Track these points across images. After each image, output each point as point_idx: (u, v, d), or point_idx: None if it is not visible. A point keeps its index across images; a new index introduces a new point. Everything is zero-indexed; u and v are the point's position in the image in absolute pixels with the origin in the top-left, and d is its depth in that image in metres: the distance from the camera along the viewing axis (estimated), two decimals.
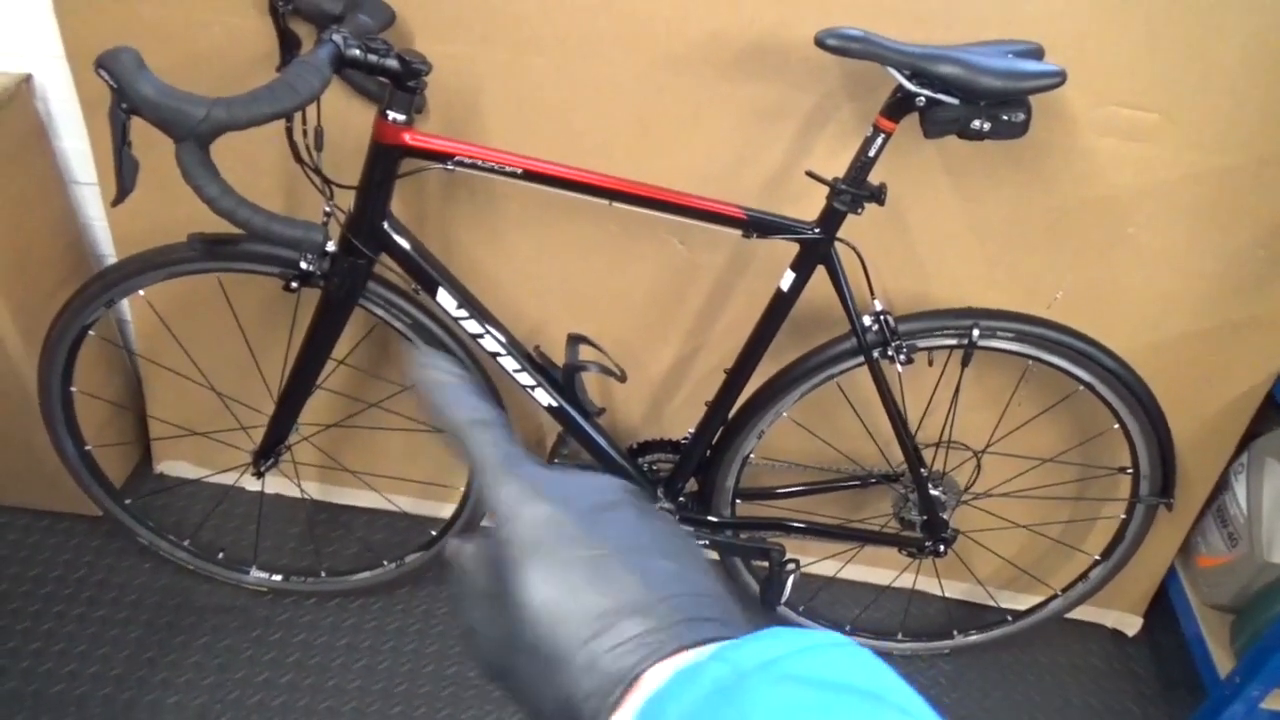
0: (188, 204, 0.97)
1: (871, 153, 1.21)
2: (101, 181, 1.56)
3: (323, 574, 1.72)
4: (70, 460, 1.56)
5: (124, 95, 0.94)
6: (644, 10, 1.27)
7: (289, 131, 1.19)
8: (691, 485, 1.58)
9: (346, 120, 1.35)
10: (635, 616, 0.33)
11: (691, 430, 1.51)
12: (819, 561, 1.81)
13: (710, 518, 1.57)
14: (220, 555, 1.71)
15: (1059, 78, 1.13)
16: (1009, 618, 1.75)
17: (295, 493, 1.82)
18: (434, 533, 1.67)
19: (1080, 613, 1.77)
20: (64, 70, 1.45)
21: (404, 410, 1.67)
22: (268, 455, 1.51)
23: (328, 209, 1.25)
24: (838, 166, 1.25)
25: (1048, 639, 1.82)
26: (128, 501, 1.65)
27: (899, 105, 1.17)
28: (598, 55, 1.31)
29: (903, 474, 1.54)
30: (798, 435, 1.63)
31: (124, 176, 1.01)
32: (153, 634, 1.63)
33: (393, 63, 1.12)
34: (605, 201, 1.24)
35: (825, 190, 1.25)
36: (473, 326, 1.36)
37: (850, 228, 1.27)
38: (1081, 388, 1.43)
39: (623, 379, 1.42)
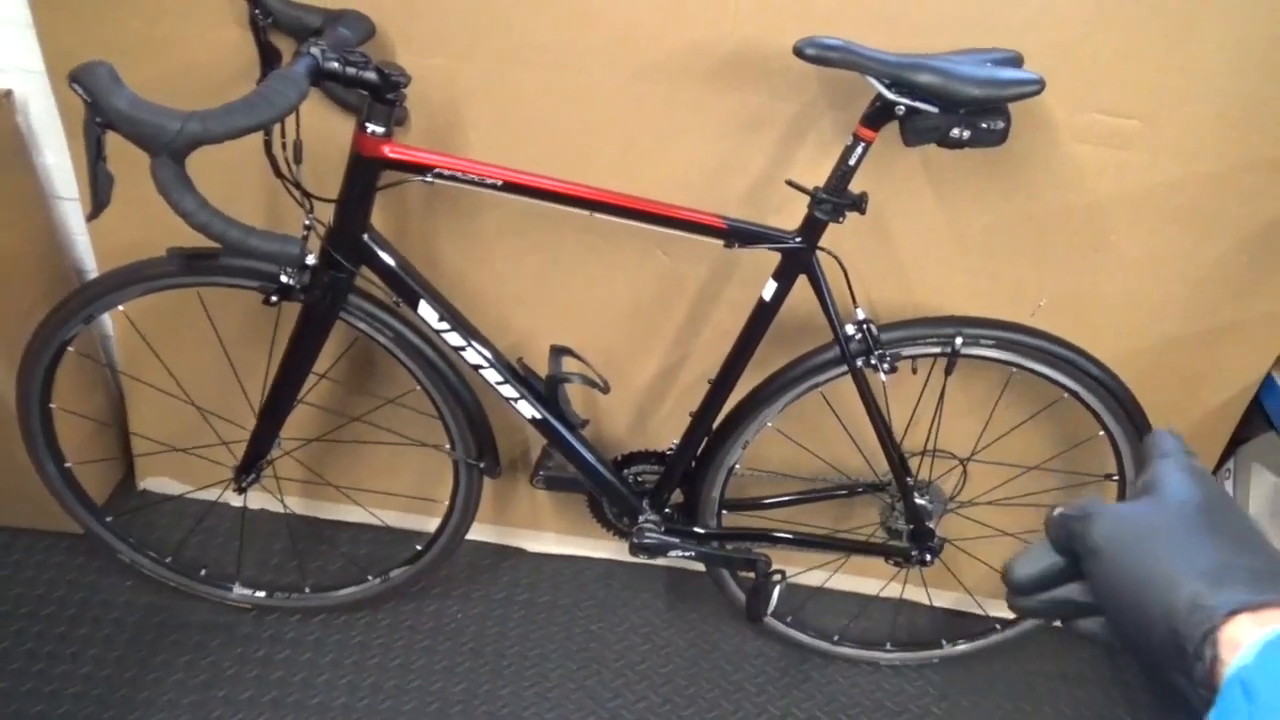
0: (170, 217, 0.96)
1: (852, 161, 1.21)
2: (83, 196, 1.55)
3: (307, 590, 1.71)
4: (50, 478, 1.54)
5: (98, 109, 0.93)
6: (625, 21, 1.27)
7: (268, 145, 1.18)
8: (677, 496, 1.57)
9: (326, 133, 1.34)
10: (1258, 565, 0.39)
11: (676, 441, 1.50)
12: (806, 572, 1.80)
13: (696, 529, 1.56)
14: (203, 572, 1.70)
15: (1038, 85, 1.13)
16: (998, 626, 1.74)
17: (278, 508, 1.80)
18: (419, 547, 1.66)
19: None
20: (44, 84, 1.44)
21: (387, 424, 1.66)
22: (249, 471, 1.50)
23: (308, 222, 1.25)
24: (819, 175, 1.25)
25: (1037, 648, 1.81)
26: (109, 519, 1.63)
27: (879, 114, 1.17)
28: (579, 67, 1.31)
29: (888, 483, 1.54)
30: (783, 445, 1.63)
31: (99, 191, 1.00)
32: (135, 652, 1.61)
33: (371, 75, 1.12)
34: (587, 213, 1.24)
35: (806, 199, 1.25)
36: (455, 339, 1.35)
37: (832, 236, 1.27)
38: (1066, 395, 1.43)
39: (606, 390, 1.42)
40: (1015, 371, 1.42)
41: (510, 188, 1.21)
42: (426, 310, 1.33)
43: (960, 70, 1.12)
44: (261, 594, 1.69)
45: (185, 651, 1.63)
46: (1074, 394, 1.42)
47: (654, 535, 1.52)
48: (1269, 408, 1.50)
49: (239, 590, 1.69)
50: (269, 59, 1.30)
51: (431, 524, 1.67)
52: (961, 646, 1.75)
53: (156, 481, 1.88)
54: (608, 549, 1.88)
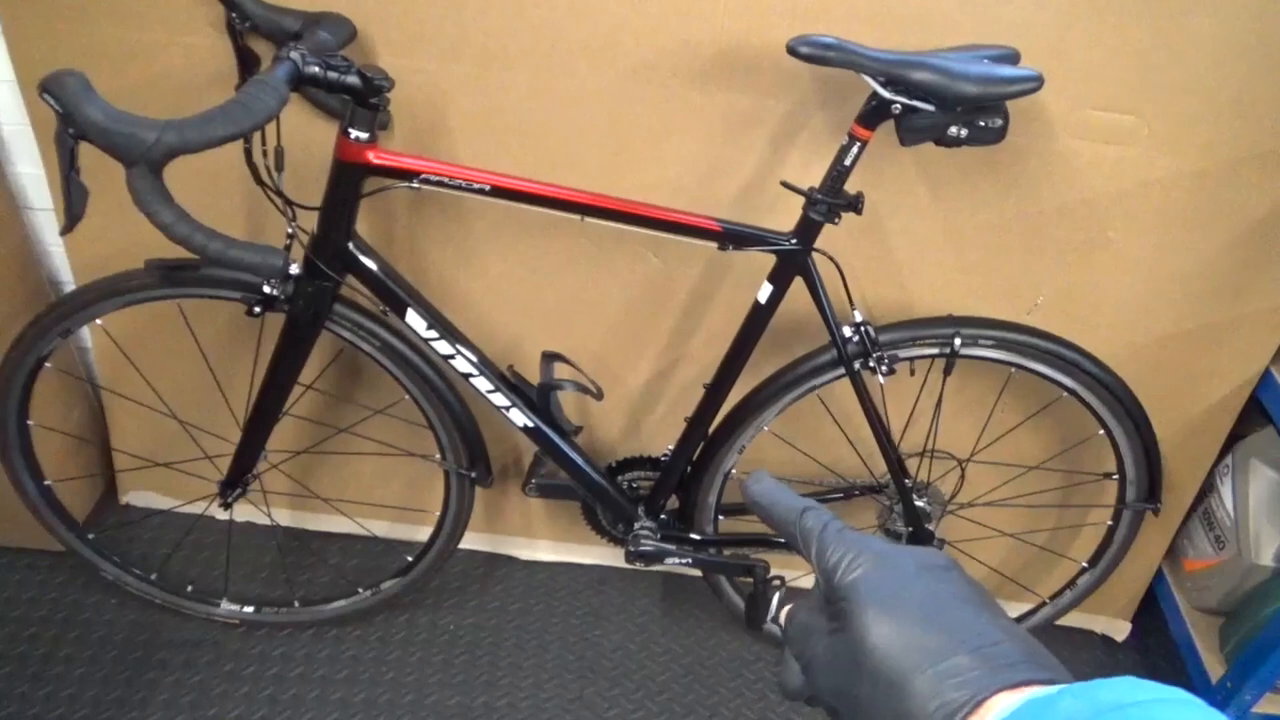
0: (149, 227, 0.93)
1: (847, 161, 1.18)
2: (57, 207, 1.51)
3: (296, 604, 1.67)
4: (29, 496, 1.50)
5: (70, 120, 0.90)
6: (612, 21, 1.25)
7: (248, 152, 1.15)
8: (672, 502, 1.55)
9: (308, 139, 1.31)
10: (969, 653, 0.36)
11: (671, 447, 1.48)
12: (805, 575, 1.78)
13: (692, 535, 1.54)
14: (189, 588, 1.66)
15: (1036, 83, 1.11)
16: None
17: (265, 521, 1.77)
18: (410, 558, 1.63)
19: (1069, 619, 1.75)
20: (15, 94, 1.40)
21: (376, 434, 1.63)
22: (235, 485, 1.46)
23: (290, 231, 1.21)
24: (813, 176, 1.23)
25: None
26: (91, 536, 1.60)
27: (874, 113, 1.15)
28: (566, 68, 1.28)
29: (886, 485, 1.52)
30: (780, 448, 1.60)
31: (73, 204, 0.96)
32: (120, 672, 1.57)
33: (353, 79, 1.08)
34: (578, 217, 1.21)
35: (801, 200, 1.23)
36: (443, 347, 1.32)
37: (828, 238, 1.24)
38: (1065, 394, 1.41)
39: (600, 397, 1.39)
40: (1014, 371, 1.41)
41: (499, 193, 1.18)
42: (414, 318, 1.30)
43: (957, 67, 1.10)
44: (250, 609, 1.66)
45: (172, 670, 1.59)
46: (1073, 393, 1.40)
47: (650, 542, 1.50)
48: (1267, 403, 1.48)
49: (226, 606, 1.65)
50: (247, 64, 1.27)
51: (422, 534, 1.64)
52: None
53: (139, 496, 1.84)
54: (601, 555, 1.86)
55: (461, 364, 1.34)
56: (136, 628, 1.65)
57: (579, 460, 1.45)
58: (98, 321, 1.34)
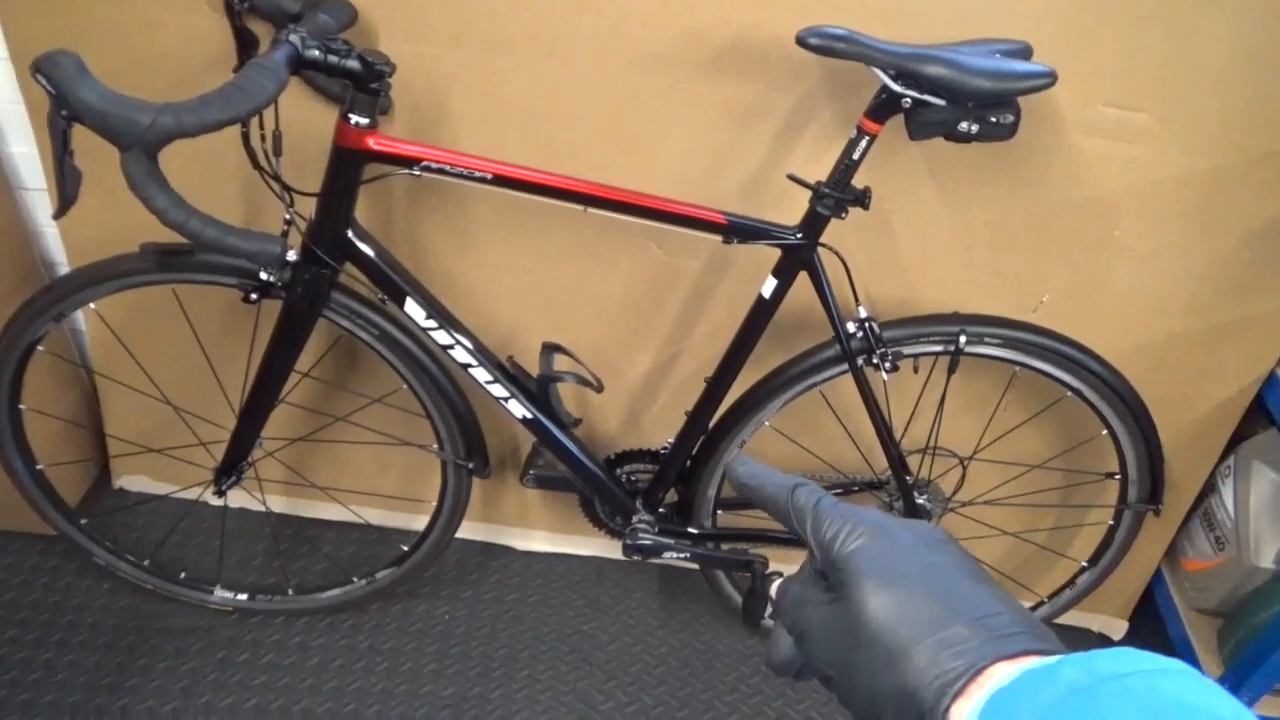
0: (143, 210, 0.91)
1: (855, 155, 1.17)
2: (51, 188, 1.49)
3: (290, 592, 1.66)
4: (21, 480, 1.49)
5: (64, 102, 0.88)
6: (618, 8, 1.22)
7: (245, 137, 1.13)
8: (671, 496, 1.54)
9: (308, 123, 1.29)
10: (967, 623, 0.36)
11: (671, 440, 1.47)
12: None
13: (691, 529, 1.52)
14: (182, 574, 1.65)
15: (1050, 78, 1.09)
16: None
17: (260, 508, 1.75)
18: (405, 548, 1.62)
19: (1067, 618, 1.75)
20: (8, 73, 1.38)
21: (373, 423, 1.61)
22: (230, 473, 1.45)
23: (288, 217, 1.19)
24: (820, 169, 1.21)
25: None
26: (83, 521, 1.58)
27: (884, 107, 1.13)
28: (571, 55, 1.26)
29: (887, 481, 1.51)
30: (780, 443, 1.59)
31: (66, 187, 0.94)
32: (112, 658, 1.56)
33: (354, 64, 1.06)
34: (579, 207, 1.20)
35: (807, 194, 1.21)
36: (442, 337, 1.31)
37: (833, 232, 1.23)
38: (1069, 393, 1.40)
39: (600, 389, 1.38)
40: (1018, 370, 1.39)
41: (501, 181, 1.16)
42: (413, 307, 1.28)
43: (970, 62, 1.08)
44: (243, 596, 1.65)
45: (164, 657, 1.58)
46: (1077, 392, 1.39)
47: (648, 536, 1.49)
48: (1271, 405, 1.47)
49: (220, 593, 1.64)
50: (246, 46, 1.24)
51: (418, 523, 1.62)
52: None
53: (133, 481, 1.83)
54: (598, 547, 1.85)
55: (460, 354, 1.32)
56: (129, 614, 1.63)
57: (577, 452, 1.44)
58: (91, 306, 1.33)
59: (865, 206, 1.21)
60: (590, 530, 1.59)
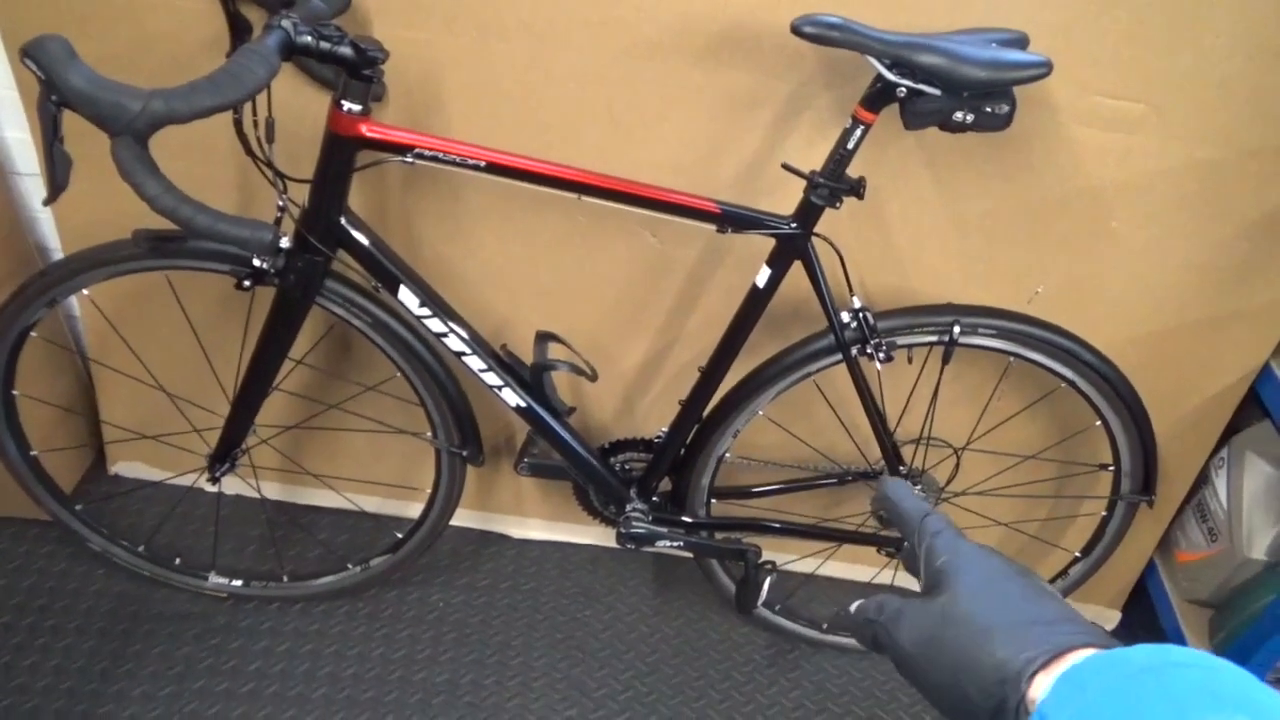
0: (136, 196, 0.91)
1: (850, 145, 1.16)
2: (45, 173, 1.48)
3: (285, 578, 1.67)
4: (15, 466, 1.49)
5: (53, 87, 0.87)
6: None
7: (238, 123, 1.13)
8: (665, 485, 1.54)
9: (301, 109, 1.29)
10: (1045, 624, 0.43)
11: (665, 429, 1.47)
12: (796, 560, 1.78)
13: (684, 518, 1.53)
14: (177, 561, 1.65)
15: (1045, 68, 1.09)
16: None
17: (255, 495, 1.76)
18: (399, 535, 1.62)
19: None
20: (0, 57, 1.37)
21: (367, 411, 1.61)
22: (224, 460, 1.45)
23: (281, 204, 1.19)
24: (814, 158, 1.21)
25: None
26: (79, 507, 1.58)
27: (879, 96, 1.12)
28: (565, 41, 1.26)
29: (881, 471, 1.51)
30: (774, 433, 1.59)
31: (57, 173, 0.94)
32: (107, 644, 1.57)
33: (346, 50, 1.06)
34: (574, 195, 1.19)
35: (802, 183, 1.21)
36: (436, 325, 1.30)
37: (828, 222, 1.22)
38: (1063, 384, 1.40)
39: (594, 378, 1.37)
40: (1012, 361, 1.39)
41: (494, 169, 1.16)
42: (406, 295, 1.28)
43: (965, 51, 1.08)
44: (238, 583, 1.65)
45: (159, 642, 1.58)
46: (1071, 384, 1.39)
47: (642, 524, 1.49)
48: (1265, 397, 1.47)
49: (215, 579, 1.64)
50: (238, 31, 1.24)
51: (413, 510, 1.63)
52: None
53: (128, 467, 1.83)
54: (593, 535, 1.85)
55: (454, 342, 1.32)
56: (123, 599, 1.64)
57: (572, 441, 1.44)
58: (85, 291, 1.32)
59: (860, 196, 1.21)
60: (584, 519, 1.60)
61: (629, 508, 1.51)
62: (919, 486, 1.49)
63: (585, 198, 1.20)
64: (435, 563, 1.79)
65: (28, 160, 1.53)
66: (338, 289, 1.30)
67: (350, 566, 1.65)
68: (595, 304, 1.51)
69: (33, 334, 1.36)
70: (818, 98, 1.28)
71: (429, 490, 1.54)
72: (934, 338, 1.34)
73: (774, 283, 1.27)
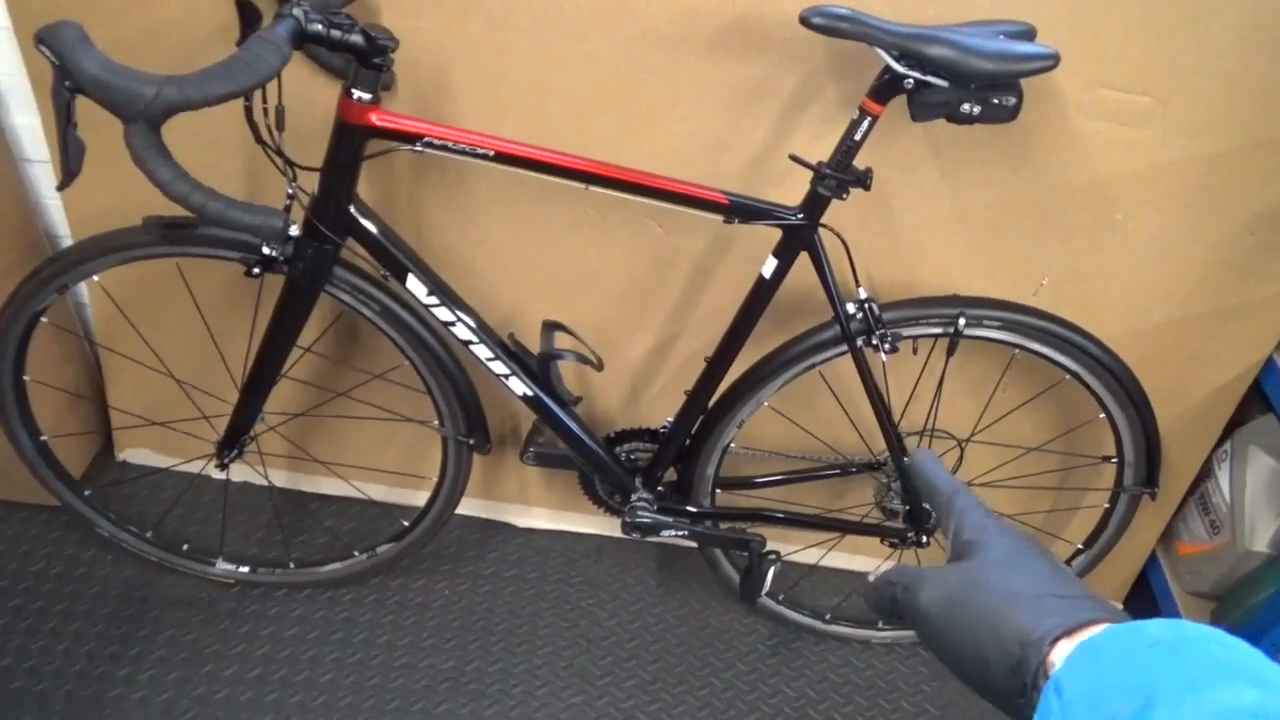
0: (146, 183, 0.92)
1: (857, 136, 1.17)
2: (54, 160, 1.49)
3: (291, 565, 1.68)
4: (25, 451, 1.50)
5: (67, 73, 0.88)
6: None
7: (248, 110, 1.13)
8: (670, 474, 1.54)
9: (310, 98, 1.29)
10: (1068, 599, 0.44)
11: (670, 419, 1.47)
12: (800, 550, 1.78)
13: (689, 508, 1.53)
14: (185, 546, 1.66)
15: (1052, 60, 1.09)
16: None
17: (262, 482, 1.77)
18: (406, 523, 1.63)
19: None
20: (11, 43, 1.38)
21: (374, 399, 1.62)
22: (232, 446, 1.46)
23: (290, 192, 1.19)
24: (822, 149, 1.21)
25: None
26: (87, 493, 1.59)
27: (886, 87, 1.13)
28: (574, 32, 1.26)
29: (885, 463, 1.52)
30: (779, 423, 1.60)
31: (70, 159, 0.95)
32: (115, 628, 1.58)
33: (357, 39, 1.06)
34: (582, 185, 1.20)
35: (809, 174, 1.21)
36: (444, 314, 1.31)
37: (834, 213, 1.23)
38: (1067, 377, 1.40)
39: (600, 367, 1.38)
40: (1017, 353, 1.40)
41: (503, 159, 1.17)
42: (414, 284, 1.29)
43: (972, 43, 1.08)
44: (245, 569, 1.66)
45: (167, 627, 1.60)
46: (1075, 376, 1.40)
47: (647, 514, 1.50)
48: (1269, 390, 1.48)
49: (222, 565, 1.66)
50: (249, 19, 1.23)
51: (419, 499, 1.64)
52: None
53: (136, 453, 1.84)
54: (597, 524, 1.86)
55: (462, 331, 1.33)
56: (131, 585, 1.65)
57: (578, 430, 1.45)
58: (95, 278, 1.33)
59: (867, 188, 1.21)
60: (589, 508, 1.61)
61: (634, 497, 1.52)
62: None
63: (593, 188, 1.20)
64: (440, 551, 1.80)
65: (37, 147, 1.54)
66: (346, 277, 1.30)
67: (356, 554, 1.67)
68: (602, 294, 1.52)
69: (43, 319, 1.37)
70: (825, 89, 1.28)
71: (435, 478, 1.55)
72: (939, 329, 1.34)
73: (780, 273, 1.28)
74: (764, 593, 1.55)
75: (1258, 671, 0.36)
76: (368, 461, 1.77)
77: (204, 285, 1.51)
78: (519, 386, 1.38)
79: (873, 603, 0.54)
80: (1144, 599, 1.78)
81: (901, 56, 1.10)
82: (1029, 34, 1.16)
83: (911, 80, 1.10)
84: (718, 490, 1.55)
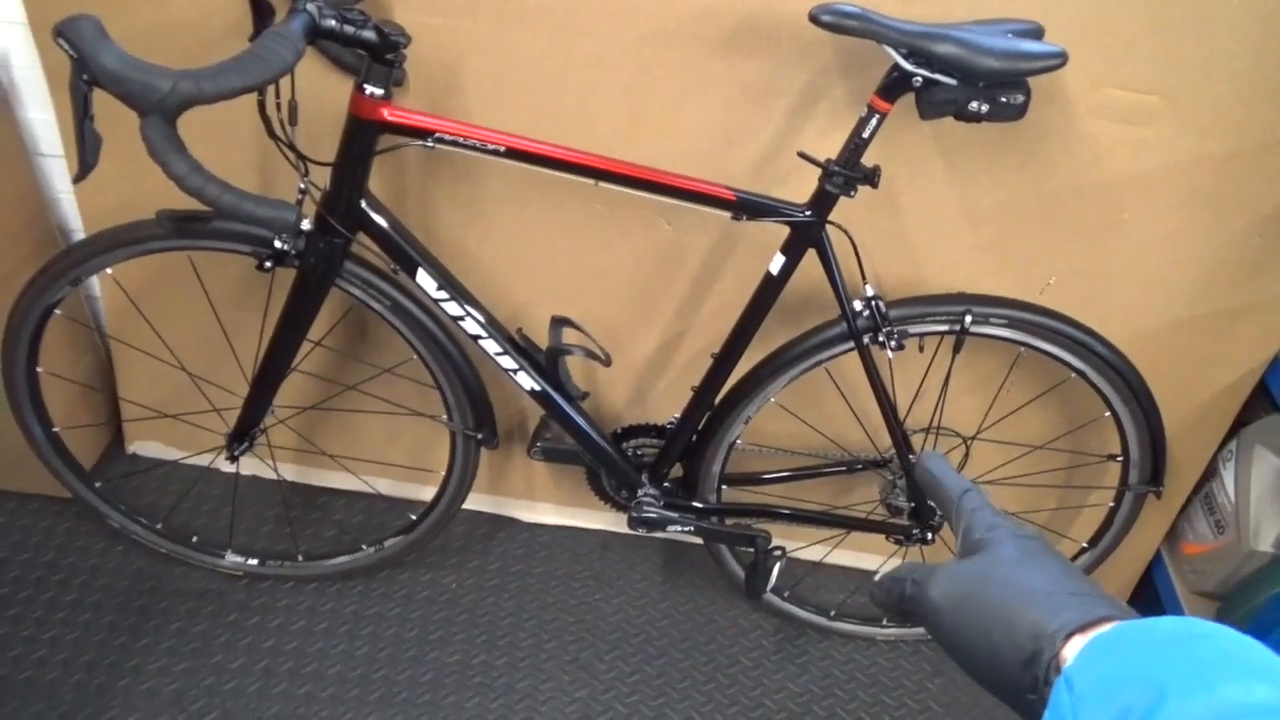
0: (159, 178, 0.93)
1: (865, 134, 1.17)
2: (68, 154, 1.51)
3: (299, 558, 1.69)
4: (37, 442, 1.51)
5: (85, 66, 0.89)
6: None
7: (261, 105, 1.14)
8: (676, 470, 1.55)
9: (323, 93, 1.30)
10: (1078, 596, 0.44)
11: (677, 415, 1.48)
12: (806, 547, 1.79)
13: (695, 503, 1.54)
14: (194, 539, 1.67)
15: (1060, 59, 1.10)
16: None
17: (271, 475, 1.78)
18: (413, 516, 1.64)
19: None
20: (27, 37, 1.39)
21: (383, 393, 1.63)
22: (242, 439, 1.47)
23: (302, 186, 1.21)
24: (830, 147, 1.22)
25: None
26: (98, 484, 1.61)
27: (895, 85, 1.14)
28: (584, 29, 1.27)
29: (891, 460, 1.52)
30: (785, 420, 1.61)
31: (86, 152, 0.96)
32: (125, 619, 1.59)
33: (370, 34, 1.07)
34: (591, 181, 1.21)
35: (817, 171, 1.22)
36: (453, 308, 1.32)
37: (842, 210, 1.23)
38: (1073, 375, 1.41)
39: (608, 363, 1.39)
40: (1023, 351, 1.40)
41: (513, 154, 1.18)
42: (424, 278, 1.30)
43: (981, 41, 1.09)
44: (254, 562, 1.67)
45: (176, 619, 1.61)
46: (1081, 374, 1.40)
47: (653, 509, 1.51)
48: (1275, 390, 1.48)
49: (231, 558, 1.67)
50: (262, 15, 1.25)
51: (427, 493, 1.65)
52: None
53: (146, 446, 1.85)
54: (603, 520, 1.87)
55: (471, 325, 1.34)
56: (141, 576, 1.66)
57: (585, 426, 1.45)
58: (107, 271, 1.34)
59: (874, 185, 1.22)
60: (596, 503, 1.61)
61: (641, 493, 1.53)
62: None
63: (602, 183, 1.21)
64: (448, 545, 1.81)
65: (51, 141, 1.55)
66: (357, 271, 1.31)
67: (364, 547, 1.68)
68: (610, 290, 1.53)
69: (57, 312, 1.38)
70: (834, 87, 1.29)
71: (443, 473, 1.56)
72: (945, 327, 1.35)
73: (788, 270, 1.29)
74: (769, 589, 1.56)
75: (1268, 668, 0.36)
76: (376, 455, 1.78)
77: (216, 279, 1.52)
78: (527, 381, 1.39)
79: (880, 598, 0.54)
80: (1148, 598, 1.79)
81: (910, 54, 1.10)
82: (1037, 33, 1.17)
83: (920, 78, 1.11)
84: (724, 486, 1.55)
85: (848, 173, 1.20)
